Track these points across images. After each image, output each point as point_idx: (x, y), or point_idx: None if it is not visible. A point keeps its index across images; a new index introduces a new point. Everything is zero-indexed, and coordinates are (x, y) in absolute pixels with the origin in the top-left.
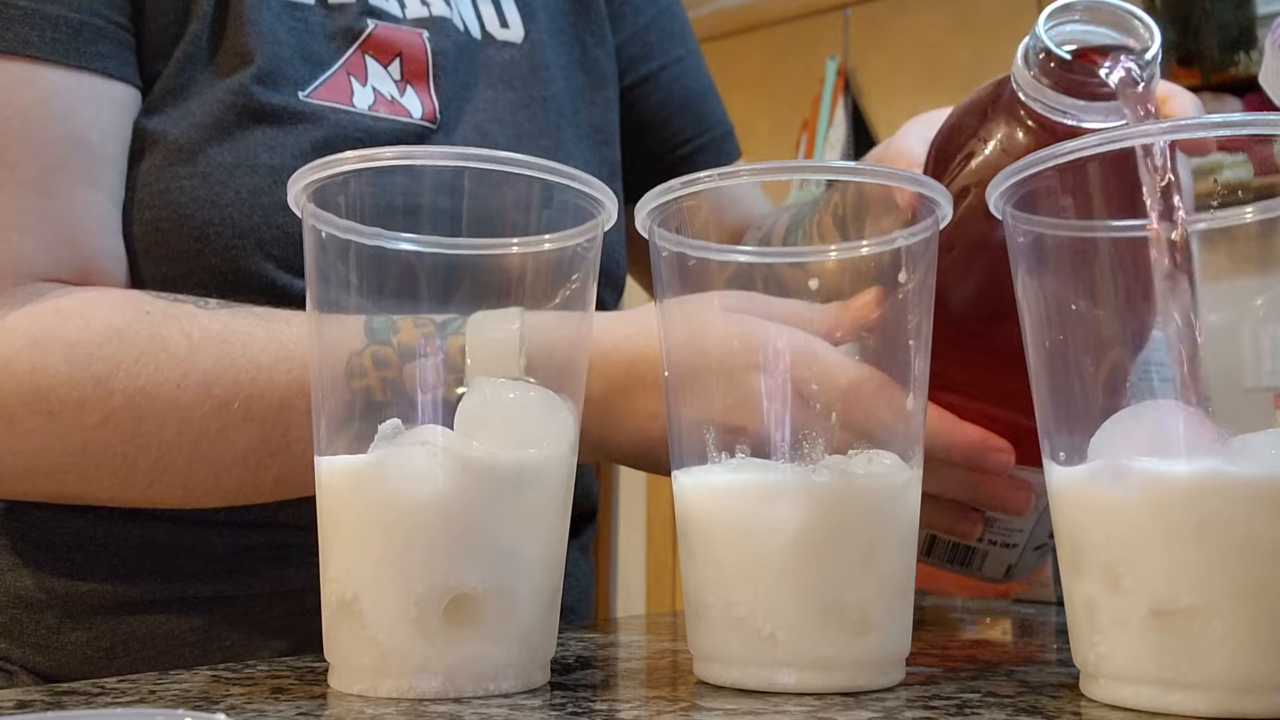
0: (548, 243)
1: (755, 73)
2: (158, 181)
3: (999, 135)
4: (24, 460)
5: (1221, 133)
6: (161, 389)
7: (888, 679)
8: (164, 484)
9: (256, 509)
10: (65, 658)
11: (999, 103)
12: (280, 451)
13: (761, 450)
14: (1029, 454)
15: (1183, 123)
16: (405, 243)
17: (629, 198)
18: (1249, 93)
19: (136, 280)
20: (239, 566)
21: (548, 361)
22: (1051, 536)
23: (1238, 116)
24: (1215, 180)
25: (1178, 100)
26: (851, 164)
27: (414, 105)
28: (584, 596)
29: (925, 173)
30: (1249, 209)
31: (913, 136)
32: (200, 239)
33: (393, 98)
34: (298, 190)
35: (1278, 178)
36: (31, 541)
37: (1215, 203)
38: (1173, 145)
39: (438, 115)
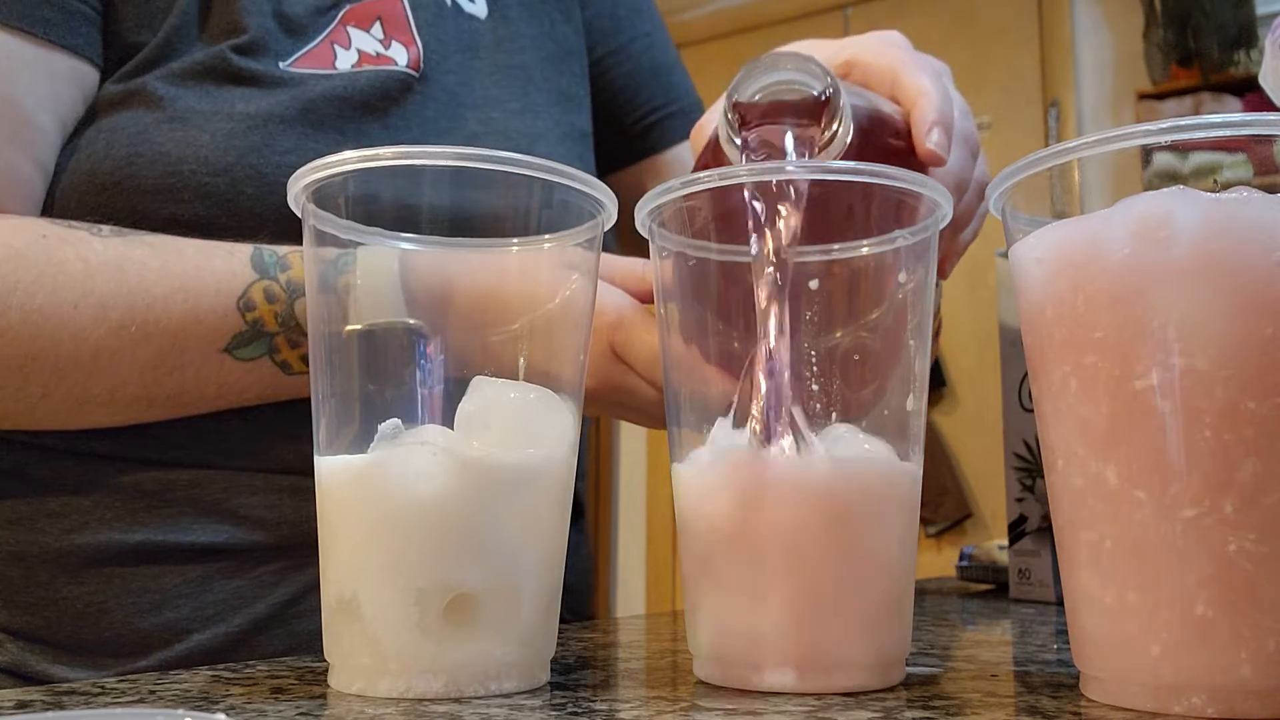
0: (548, 243)
1: None
2: (134, 124)
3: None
4: None
5: (1221, 133)
6: (59, 309)
7: (888, 679)
8: (58, 397)
9: (250, 450)
10: (58, 614)
11: (714, 141)
12: (177, 371)
13: None
14: None
15: (1183, 122)
16: (405, 243)
17: (600, 170)
18: (1249, 93)
19: (101, 215)
20: (236, 514)
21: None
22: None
23: (1238, 116)
24: (1215, 180)
25: (924, 100)
26: (850, 164)
27: (400, 55)
28: (583, 578)
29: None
30: None
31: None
32: (174, 175)
33: (378, 53)
34: (298, 190)
35: (1278, 178)
36: (26, 496)
37: None
38: None
39: (422, 63)
